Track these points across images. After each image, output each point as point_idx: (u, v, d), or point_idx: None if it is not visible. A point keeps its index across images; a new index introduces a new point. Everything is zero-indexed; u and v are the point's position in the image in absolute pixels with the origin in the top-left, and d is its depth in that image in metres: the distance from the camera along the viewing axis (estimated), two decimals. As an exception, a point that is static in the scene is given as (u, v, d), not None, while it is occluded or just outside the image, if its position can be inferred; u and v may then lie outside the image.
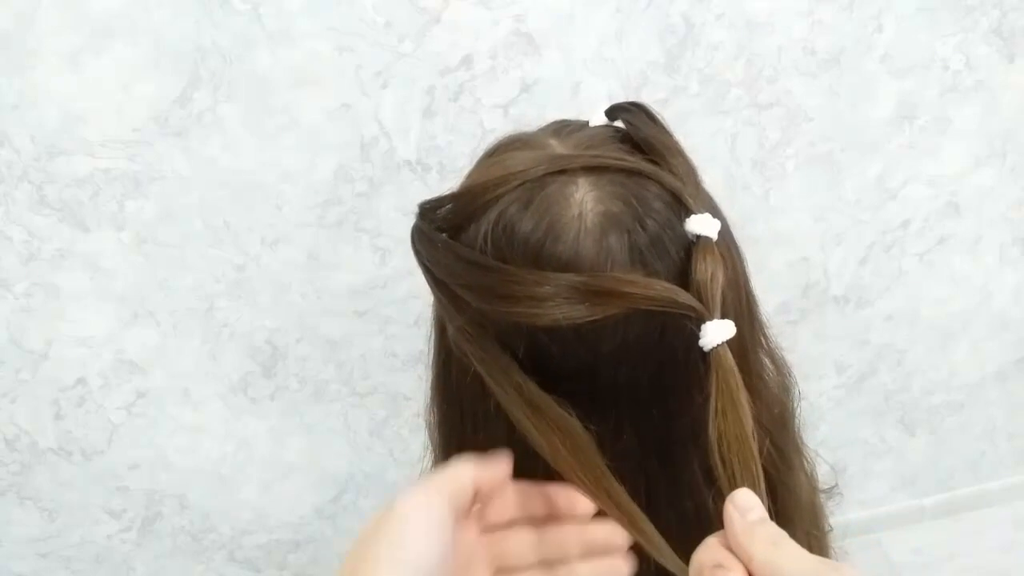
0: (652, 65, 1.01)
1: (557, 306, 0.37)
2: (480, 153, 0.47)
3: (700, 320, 0.38)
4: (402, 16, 0.92)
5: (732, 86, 1.05)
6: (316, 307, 1.11)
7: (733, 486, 0.34)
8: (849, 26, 1.04)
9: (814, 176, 1.16)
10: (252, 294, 1.08)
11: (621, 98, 1.01)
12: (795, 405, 0.50)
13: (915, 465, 1.58)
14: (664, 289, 0.37)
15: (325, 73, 0.94)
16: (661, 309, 0.37)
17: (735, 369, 0.37)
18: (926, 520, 1.63)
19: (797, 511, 0.48)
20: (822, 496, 0.56)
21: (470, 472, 0.38)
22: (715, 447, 0.35)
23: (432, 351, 0.48)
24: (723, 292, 0.38)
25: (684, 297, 0.37)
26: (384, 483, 1.32)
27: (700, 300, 0.38)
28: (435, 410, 0.49)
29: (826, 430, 1.45)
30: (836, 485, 0.59)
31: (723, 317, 0.38)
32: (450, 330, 0.42)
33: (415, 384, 1.21)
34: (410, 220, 0.44)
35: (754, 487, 0.34)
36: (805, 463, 0.52)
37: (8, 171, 0.93)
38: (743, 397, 0.36)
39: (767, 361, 0.47)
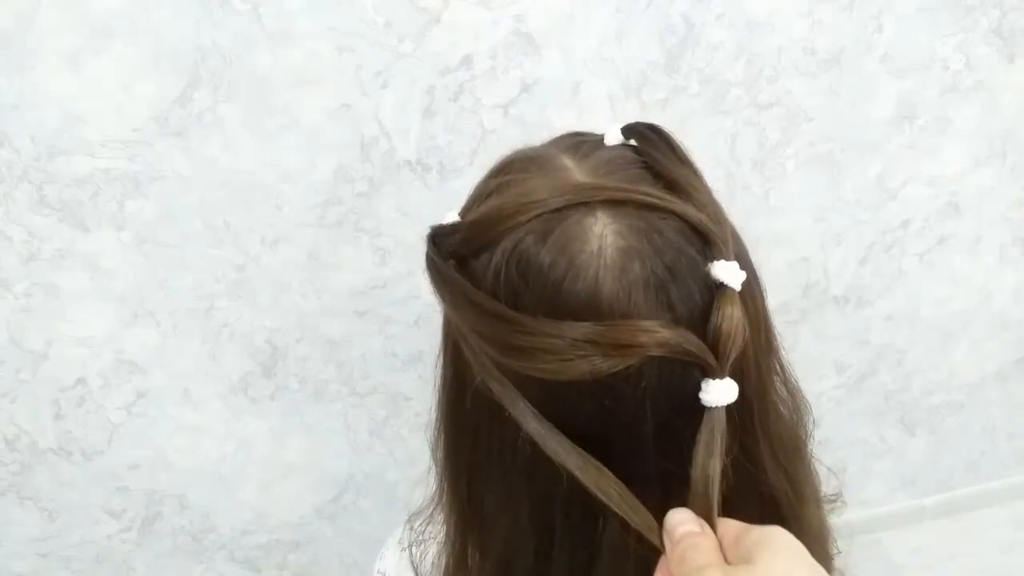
0: (652, 65, 1.01)
1: (574, 361, 0.36)
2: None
3: (708, 372, 0.37)
4: (402, 16, 0.92)
5: (732, 86, 1.05)
6: (316, 307, 1.11)
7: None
8: (849, 26, 1.04)
9: (814, 176, 1.16)
10: (252, 294, 1.08)
11: (621, 98, 1.02)
12: (807, 431, 0.49)
13: (915, 465, 1.58)
14: (678, 337, 0.36)
15: (325, 73, 0.94)
16: (673, 357, 0.36)
17: (724, 433, 0.37)
18: (926, 520, 1.63)
19: (806, 541, 0.48)
20: (826, 507, 0.55)
21: None
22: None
23: (441, 373, 0.46)
24: (741, 348, 0.37)
25: (698, 347, 0.36)
26: (384, 483, 1.32)
27: (714, 352, 0.37)
28: (443, 434, 0.47)
29: (826, 430, 1.45)
30: (840, 495, 0.59)
31: (732, 376, 0.37)
32: (475, 368, 0.41)
33: (415, 384, 1.22)
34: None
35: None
36: (814, 487, 0.51)
37: (8, 171, 0.93)
38: (717, 470, 0.37)
39: (782, 390, 0.46)
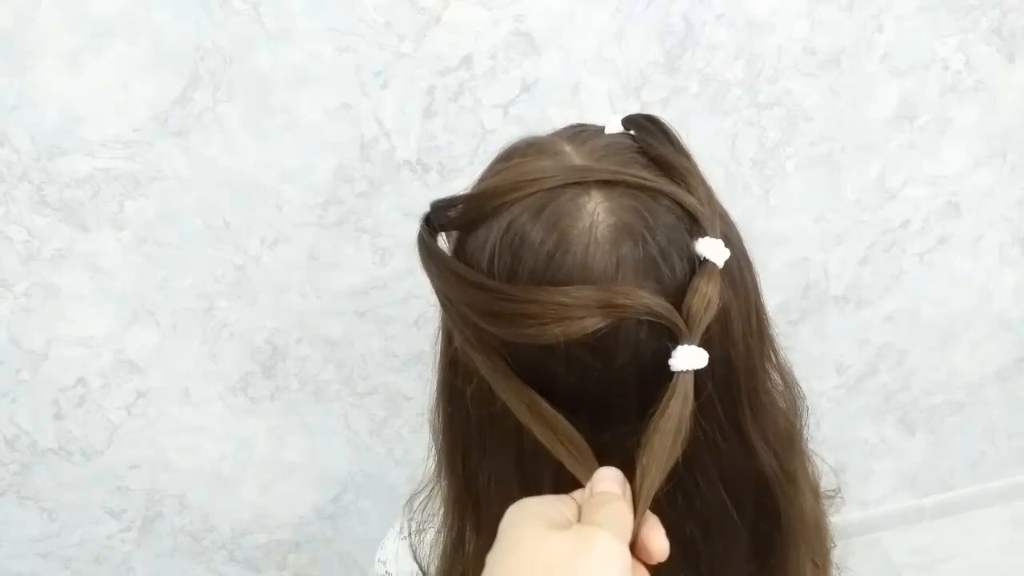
0: (652, 65, 1.01)
1: (551, 325, 0.37)
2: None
3: (677, 340, 0.38)
4: (402, 16, 0.92)
5: (732, 86, 1.05)
6: (316, 307, 1.11)
7: (635, 506, 0.36)
8: (849, 26, 1.04)
9: (814, 176, 1.16)
10: (252, 294, 1.08)
11: (621, 98, 1.02)
12: (803, 422, 0.50)
13: (915, 465, 1.58)
14: (653, 301, 0.37)
15: (325, 73, 0.94)
16: (647, 319, 0.37)
17: (690, 401, 0.38)
18: (926, 520, 1.64)
19: (802, 531, 0.48)
20: (824, 502, 0.55)
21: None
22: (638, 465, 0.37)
23: (438, 353, 0.48)
24: (720, 320, 0.38)
25: (671, 312, 0.37)
26: (384, 483, 1.32)
27: (686, 319, 0.38)
28: (440, 413, 0.48)
29: (826, 430, 1.45)
30: (839, 490, 0.59)
31: (703, 347, 0.38)
32: (457, 337, 0.42)
33: (415, 384, 1.22)
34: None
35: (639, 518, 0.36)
36: (811, 480, 0.51)
37: (8, 171, 0.93)
38: (676, 433, 0.37)
39: (776, 377, 0.46)
